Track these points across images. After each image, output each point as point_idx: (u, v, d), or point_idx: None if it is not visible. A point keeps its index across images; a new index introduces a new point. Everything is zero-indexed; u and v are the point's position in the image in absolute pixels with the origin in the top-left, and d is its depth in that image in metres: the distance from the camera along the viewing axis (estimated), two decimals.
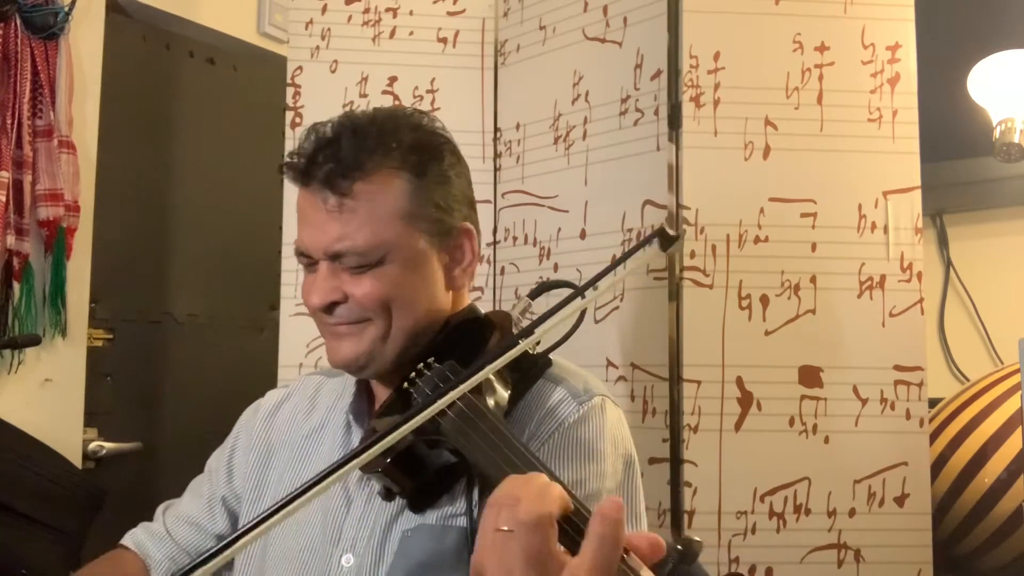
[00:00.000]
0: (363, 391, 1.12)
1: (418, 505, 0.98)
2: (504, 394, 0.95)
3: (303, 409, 1.18)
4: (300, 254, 1.04)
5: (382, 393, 1.09)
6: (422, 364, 0.98)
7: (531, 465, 0.80)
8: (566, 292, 0.90)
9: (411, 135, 1.04)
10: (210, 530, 1.18)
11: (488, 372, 0.86)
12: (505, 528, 0.66)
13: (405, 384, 0.98)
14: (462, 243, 1.08)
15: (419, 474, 0.94)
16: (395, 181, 1.01)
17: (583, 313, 0.93)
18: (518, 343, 0.86)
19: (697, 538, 0.66)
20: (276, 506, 0.73)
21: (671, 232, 0.81)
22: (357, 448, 0.79)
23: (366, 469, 0.95)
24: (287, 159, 1.04)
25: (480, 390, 0.90)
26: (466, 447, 0.86)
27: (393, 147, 1.02)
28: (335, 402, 1.15)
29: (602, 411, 1.03)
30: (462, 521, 0.97)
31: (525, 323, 1.02)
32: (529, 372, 1.00)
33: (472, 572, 0.70)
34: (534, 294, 1.06)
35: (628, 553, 0.66)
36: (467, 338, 1.03)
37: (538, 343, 0.97)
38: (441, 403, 0.81)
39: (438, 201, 1.05)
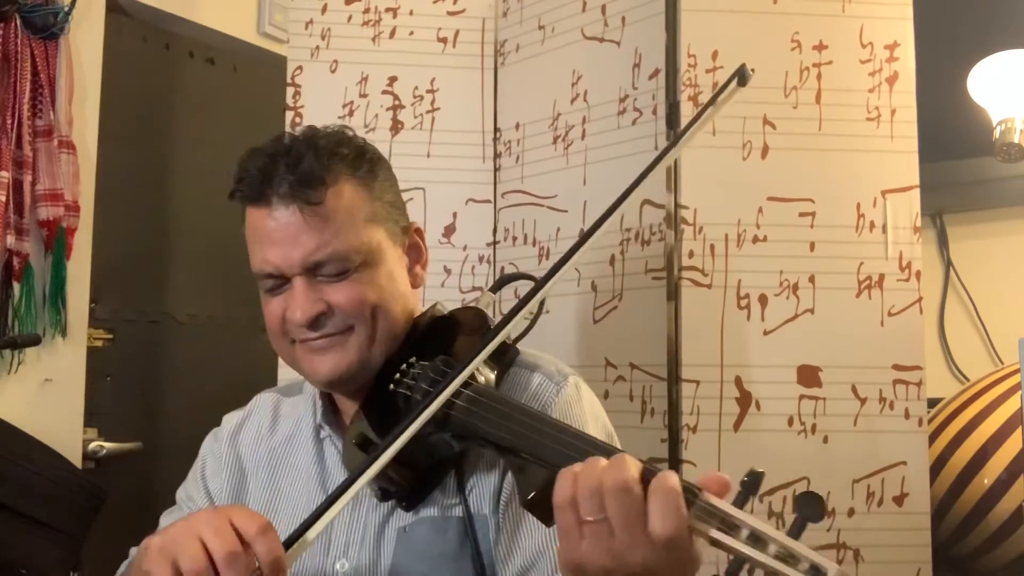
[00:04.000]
0: (328, 404, 1.13)
1: (412, 503, 0.99)
2: (492, 379, 0.98)
3: (266, 426, 1.18)
4: (266, 276, 1.03)
5: (346, 403, 1.10)
6: (406, 364, 0.99)
7: (559, 428, 0.85)
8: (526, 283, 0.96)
9: (352, 143, 1.07)
10: None
11: (483, 356, 0.90)
12: (591, 519, 0.71)
13: (392, 386, 0.99)
14: (416, 241, 1.12)
15: (417, 471, 0.96)
16: (355, 186, 1.04)
17: (542, 305, 0.98)
18: (501, 329, 0.90)
19: (760, 469, 0.71)
20: (323, 506, 0.83)
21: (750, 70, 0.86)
22: (384, 443, 0.84)
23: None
24: (236, 183, 1.05)
25: (474, 378, 0.93)
26: (485, 429, 0.88)
27: (346, 154, 1.05)
28: (299, 418, 1.16)
29: (578, 389, 1.06)
30: (458, 511, 0.99)
31: (494, 315, 1.09)
32: (504, 359, 1.03)
33: (567, 570, 0.73)
34: (495, 288, 1.14)
35: (700, 491, 0.70)
36: (441, 335, 1.05)
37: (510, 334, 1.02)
38: (449, 391, 0.86)
39: (392, 200, 1.08)
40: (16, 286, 1.94)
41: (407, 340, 1.05)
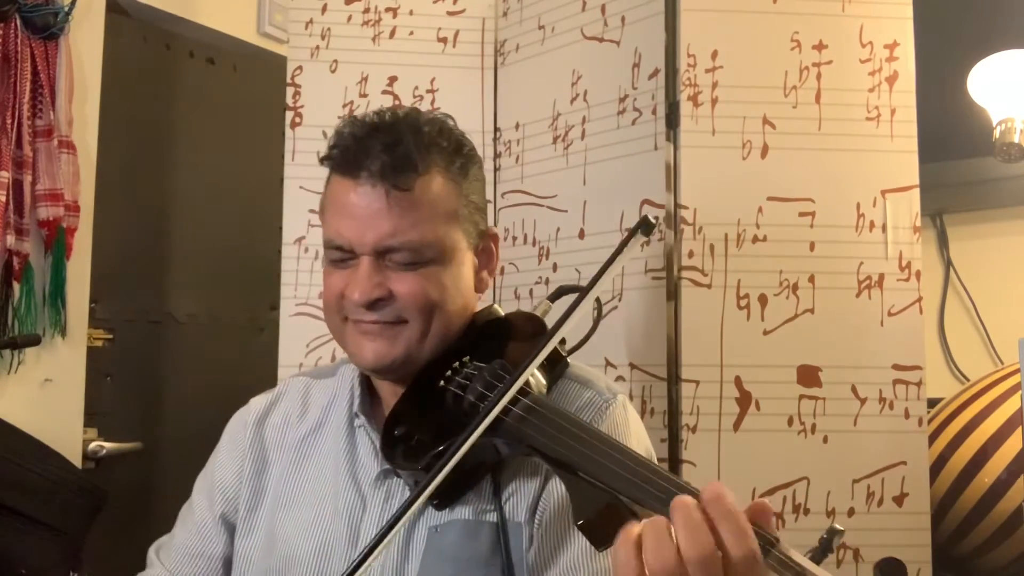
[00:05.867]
0: (366, 391, 1.11)
1: (444, 502, 0.98)
2: (544, 388, 0.98)
3: (295, 412, 1.16)
4: (335, 247, 1.01)
5: (387, 391, 1.09)
6: (458, 363, 0.99)
7: (619, 450, 0.83)
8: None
9: (453, 136, 1.06)
10: (212, 554, 1.13)
11: (536, 363, 0.89)
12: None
13: (442, 382, 0.99)
14: (490, 246, 1.10)
15: (455, 471, 0.94)
16: (445, 180, 1.02)
17: (599, 318, 0.96)
18: (553, 336, 0.88)
19: (839, 527, 0.71)
20: (379, 535, 0.80)
21: (652, 219, 0.84)
22: (444, 456, 0.83)
23: (406, 467, 0.98)
24: (330, 149, 1.03)
25: (528, 385, 0.92)
26: (539, 440, 0.87)
27: (444, 146, 1.03)
28: (330, 402, 1.14)
29: (625, 409, 1.05)
30: (492, 516, 0.98)
31: (550, 323, 1.06)
32: (554, 370, 1.03)
33: None
34: (554, 297, 1.11)
35: (777, 541, 0.69)
36: (496, 338, 1.05)
37: (564, 343, 1.01)
38: (507, 397, 0.85)
39: (476, 202, 1.07)
40: (16, 286, 1.94)
41: (461, 338, 1.04)
